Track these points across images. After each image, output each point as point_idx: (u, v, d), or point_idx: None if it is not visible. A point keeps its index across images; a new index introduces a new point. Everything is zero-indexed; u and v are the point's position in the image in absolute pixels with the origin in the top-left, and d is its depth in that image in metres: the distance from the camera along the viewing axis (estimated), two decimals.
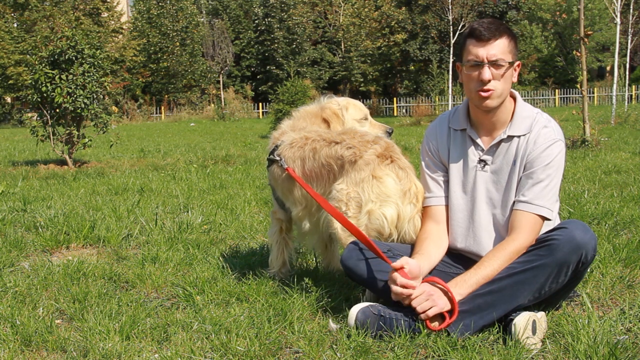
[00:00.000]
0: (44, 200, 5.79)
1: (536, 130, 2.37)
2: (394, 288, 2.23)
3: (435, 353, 2.11)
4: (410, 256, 2.44)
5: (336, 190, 2.62)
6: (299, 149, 2.80)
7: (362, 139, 2.67)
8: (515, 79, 2.39)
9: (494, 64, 2.30)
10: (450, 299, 2.21)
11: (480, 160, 2.46)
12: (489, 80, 2.30)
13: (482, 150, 2.46)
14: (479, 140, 2.47)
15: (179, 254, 3.59)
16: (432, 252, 2.45)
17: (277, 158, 2.85)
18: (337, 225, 2.61)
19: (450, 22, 24.55)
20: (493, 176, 2.44)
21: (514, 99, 2.46)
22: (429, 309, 2.20)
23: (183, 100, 36.60)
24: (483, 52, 2.30)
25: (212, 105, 34.59)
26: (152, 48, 36.09)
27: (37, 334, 2.38)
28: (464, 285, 2.25)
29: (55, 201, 5.73)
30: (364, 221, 2.53)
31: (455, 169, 2.52)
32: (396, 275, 2.23)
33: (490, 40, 2.30)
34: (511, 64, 2.33)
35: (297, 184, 2.80)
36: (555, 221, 2.44)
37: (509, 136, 2.41)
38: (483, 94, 2.33)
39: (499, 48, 2.30)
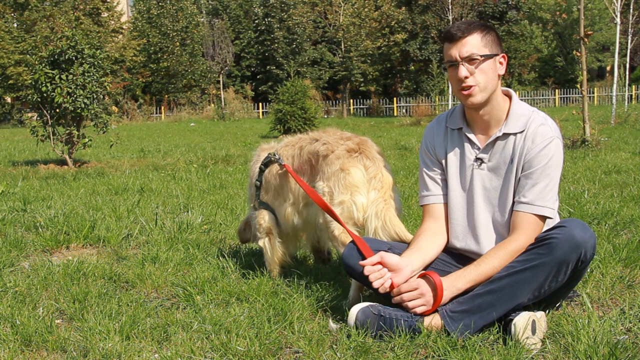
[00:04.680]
0: (44, 200, 5.79)
1: (533, 128, 2.37)
2: (366, 269, 2.31)
3: (435, 353, 2.11)
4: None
5: (317, 188, 2.80)
6: (291, 148, 3.02)
7: (338, 136, 2.86)
8: (502, 72, 2.39)
9: (468, 60, 2.32)
10: (436, 296, 2.23)
11: (477, 159, 2.47)
12: (466, 77, 2.33)
13: (478, 148, 2.47)
14: (474, 139, 2.48)
15: (179, 254, 3.59)
16: (424, 245, 2.46)
17: (277, 157, 3.00)
18: (334, 228, 2.72)
19: (450, 22, 24.56)
20: (490, 174, 2.45)
21: (510, 97, 2.47)
22: (419, 306, 2.25)
23: (183, 100, 36.60)
24: (455, 51, 2.34)
25: (212, 105, 34.60)
26: (152, 48, 36.07)
27: (37, 334, 2.38)
28: (462, 280, 2.27)
29: (55, 201, 5.73)
30: (338, 211, 2.68)
31: (453, 167, 2.53)
32: (365, 266, 2.31)
33: (461, 38, 2.33)
34: (488, 56, 2.33)
35: (288, 182, 2.97)
36: (555, 219, 2.44)
37: (504, 134, 2.41)
38: (464, 92, 2.35)
39: (470, 44, 2.33)
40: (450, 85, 20.02)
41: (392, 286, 2.30)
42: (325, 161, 2.78)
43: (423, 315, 2.25)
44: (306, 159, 2.90)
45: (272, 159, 3.01)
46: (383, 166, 2.73)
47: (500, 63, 2.39)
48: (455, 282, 2.26)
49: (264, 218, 3.13)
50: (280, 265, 3.16)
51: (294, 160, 2.96)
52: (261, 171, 3.10)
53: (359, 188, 2.67)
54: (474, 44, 2.33)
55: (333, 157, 2.75)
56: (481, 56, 2.32)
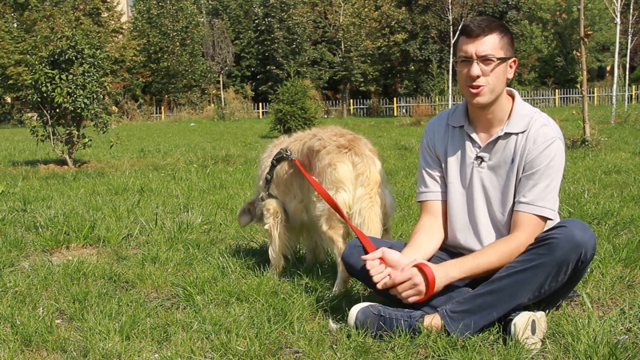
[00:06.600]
0: (44, 200, 5.79)
1: (535, 129, 2.37)
2: (368, 264, 2.32)
3: (435, 353, 2.11)
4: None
5: None
6: (298, 142, 3.07)
7: (333, 133, 2.91)
8: (510, 76, 2.38)
9: (483, 59, 2.30)
10: (428, 286, 2.23)
11: (477, 157, 2.47)
12: (478, 77, 2.31)
13: (479, 147, 2.47)
14: (476, 137, 2.47)
15: (179, 254, 3.59)
16: (422, 241, 2.47)
17: (288, 154, 3.05)
18: (322, 223, 2.82)
19: (450, 22, 24.54)
20: (490, 173, 2.45)
21: (513, 97, 2.46)
22: (411, 296, 2.26)
23: (183, 100, 36.57)
24: (472, 48, 2.31)
25: (212, 105, 34.58)
26: (152, 48, 36.05)
27: (37, 334, 2.38)
28: (457, 269, 2.27)
29: (55, 201, 5.73)
30: (322, 207, 2.78)
31: (453, 165, 2.53)
32: (367, 261, 2.34)
33: (480, 36, 2.30)
34: (503, 60, 2.32)
35: (297, 179, 3.02)
36: (556, 219, 2.44)
37: (506, 133, 2.41)
38: (472, 90, 2.34)
39: (488, 44, 2.30)
40: (450, 84, 19.92)
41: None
42: (317, 156, 2.85)
43: (417, 303, 2.27)
44: (305, 154, 2.97)
45: (284, 155, 3.06)
46: (372, 163, 2.78)
47: (511, 67, 2.38)
48: (450, 271, 2.26)
49: (272, 204, 3.18)
50: (284, 252, 3.20)
51: (298, 155, 3.03)
52: (273, 166, 3.16)
53: (344, 184, 2.73)
54: (492, 44, 2.30)
55: (324, 153, 2.82)
56: (497, 59, 2.30)
